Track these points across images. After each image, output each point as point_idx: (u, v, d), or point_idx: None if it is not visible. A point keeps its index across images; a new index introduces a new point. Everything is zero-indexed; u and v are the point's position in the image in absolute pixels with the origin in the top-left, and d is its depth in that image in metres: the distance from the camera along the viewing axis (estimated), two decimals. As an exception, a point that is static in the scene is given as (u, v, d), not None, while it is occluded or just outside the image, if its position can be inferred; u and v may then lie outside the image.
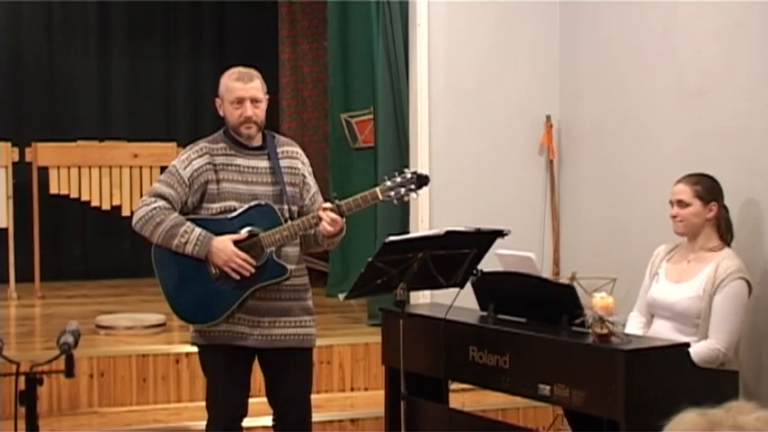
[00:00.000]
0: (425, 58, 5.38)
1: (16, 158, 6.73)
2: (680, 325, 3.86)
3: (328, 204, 3.62)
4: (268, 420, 3.92)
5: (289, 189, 3.72)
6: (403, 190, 3.64)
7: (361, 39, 5.95)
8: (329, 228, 3.58)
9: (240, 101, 3.66)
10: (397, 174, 3.69)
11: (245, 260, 3.58)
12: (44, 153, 6.82)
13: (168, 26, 8.00)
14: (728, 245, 3.94)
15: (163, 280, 3.73)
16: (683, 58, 4.60)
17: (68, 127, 7.44)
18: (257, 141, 3.75)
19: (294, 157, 3.82)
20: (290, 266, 3.66)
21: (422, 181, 3.68)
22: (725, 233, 3.94)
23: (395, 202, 3.74)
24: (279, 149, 3.78)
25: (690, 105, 4.56)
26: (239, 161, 3.71)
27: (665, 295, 3.94)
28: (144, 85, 7.93)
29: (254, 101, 3.68)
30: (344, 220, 3.68)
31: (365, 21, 5.82)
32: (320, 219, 3.58)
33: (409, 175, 3.66)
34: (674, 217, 3.93)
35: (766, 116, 4.11)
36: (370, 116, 5.94)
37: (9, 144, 6.71)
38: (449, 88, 5.41)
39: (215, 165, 3.69)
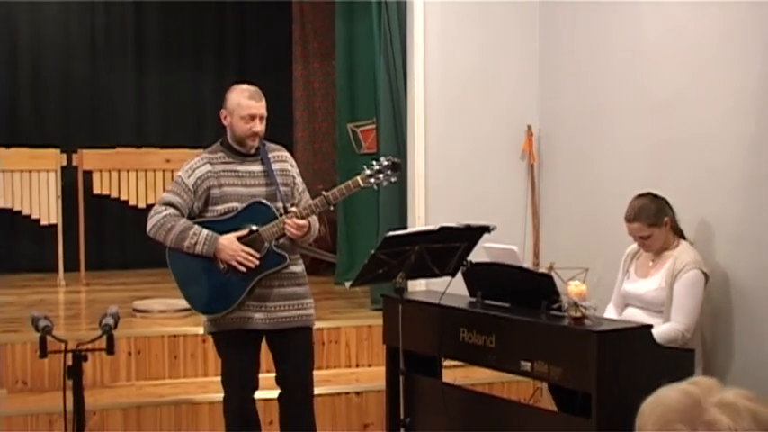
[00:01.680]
0: (422, 75, 5.38)
1: (64, 163, 6.76)
2: (649, 311, 3.89)
3: (294, 209, 3.63)
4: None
5: (282, 189, 3.72)
6: (381, 176, 3.67)
7: (365, 58, 5.96)
8: (294, 232, 3.60)
9: (252, 117, 3.67)
10: (374, 163, 3.71)
11: (248, 253, 3.60)
12: (88, 159, 6.84)
13: (196, 47, 8.00)
14: (683, 237, 3.96)
15: (178, 278, 3.74)
16: (647, 75, 4.60)
17: (109, 135, 7.46)
18: (250, 149, 3.75)
19: (284, 161, 3.83)
20: (288, 256, 3.67)
21: (396, 167, 3.71)
22: (677, 229, 3.97)
23: (374, 187, 3.76)
24: (270, 155, 3.78)
25: (653, 117, 4.56)
26: (237, 167, 3.72)
27: (635, 288, 3.97)
28: (175, 99, 7.94)
29: (262, 118, 3.70)
30: (315, 218, 3.71)
31: (368, 42, 5.83)
32: (285, 225, 3.60)
33: (385, 163, 3.69)
34: (642, 246, 3.96)
35: (719, 127, 4.11)
36: (373, 126, 5.94)
37: (58, 151, 6.75)
38: (442, 101, 5.41)
39: (216, 172, 3.69)
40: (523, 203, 5.52)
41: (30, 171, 6.66)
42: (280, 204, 3.68)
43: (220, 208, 3.67)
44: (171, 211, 3.64)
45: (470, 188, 5.38)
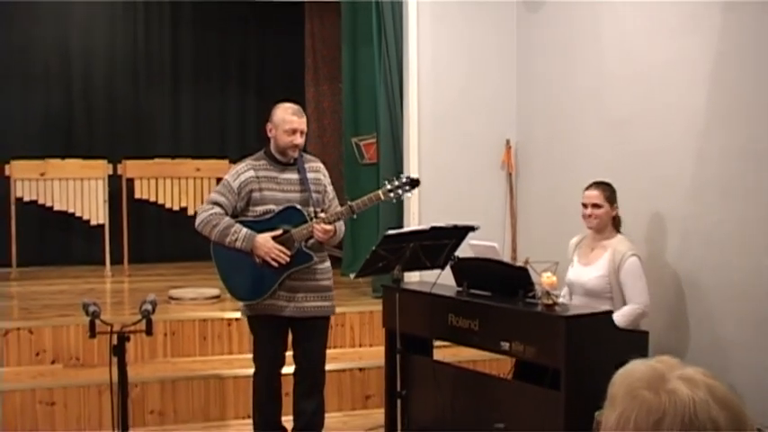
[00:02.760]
0: (416, 96, 5.38)
1: (110, 172, 6.78)
2: (591, 300, 3.80)
3: (323, 215, 3.61)
4: None
5: (314, 195, 3.70)
6: (400, 191, 3.62)
7: (367, 81, 5.95)
8: (321, 236, 3.58)
9: (294, 131, 3.64)
10: (394, 178, 3.67)
11: (281, 251, 3.57)
12: (131, 168, 6.85)
13: (223, 72, 8.00)
14: (619, 231, 3.91)
15: (220, 268, 3.71)
16: (609, 97, 4.60)
17: (149, 148, 7.45)
18: (290, 159, 3.73)
19: (318, 171, 3.80)
20: (315, 254, 3.65)
21: (414, 183, 3.66)
22: (617, 224, 3.92)
23: (394, 201, 3.73)
24: (306, 165, 3.75)
25: (614, 132, 4.56)
26: (277, 174, 3.69)
27: (578, 276, 3.90)
28: (205, 116, 7.93)
29: (302, 132, 3.67)
30: (341, 223, 3.68)
31: (370, 68, 5.82)
32: (313, 230, 3.58)
33: (404, 179, 3.65)
34: (589, 216, 3.87)
35: (669, 141, 4.11)
36: (374, 139, 5.93)
37: (105, 161, 6.78)
38: (433, 119, 5.41)
39: (258, 177, 3.66)
40: (503, 206, 5.52)
41: (81, 179, 6.68)
42: (311, 209, 3.65)
43: (259, 209, 3.65)
44: (217, 209, 3.62)
45: (458, 193, 5.38)
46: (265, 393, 3.80)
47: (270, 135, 3.71)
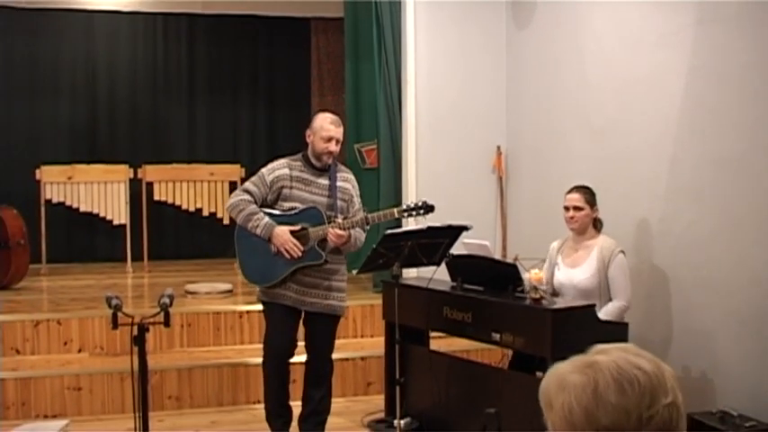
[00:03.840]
0: (413, 106, 5.38)
1: (131, 176, 6.78)
2: (584, 300, 3.72)
3: (339, 220, 3.58)
4: None
5: (339, 202, 3.66)
6: (414, 213, 3.60)
7: (369, 92, 5.95)
8: (334, 239, 3.55)
9: (330, 139, 3.63)
10: (412, 202, 3.66)
11: (295, 245, 3.56)
12: (150, 172, 6.84)
13: (235, 84, 7.99)
14: (600, 232, 3.86)
15: (239, 249, 3.70)
16: (590, 106, 4.60)
17: (167, 153, 7.45)
18: (325, 165, 3.70)
19: (347, 181, 3.75)
20: (327, 255, 3.62)
21: (429, 209, 3.59)
22: (598, 225, 3.87)
23: (405, 220, 3.71)
24: (338, 174, 3.71)
25: (595, 139, 4.56)
26: (309, 177, 3.67)
27: (568, 278, 3.80)
28: (218, 124, 7.93)
29: (338, 141, 3.66)
30: (361, 233, 3.65)
31: (371, 80, 5.82)
32: (327, 231, 3.55)
33: (420, 203, 3.60)
34: (571, 218, 3.81)
35: (646, 148, 4.11)
36: (375, 146, 5.93)
37: (127, 166, 6.78)
38: (430, 126, 5.41)
39: (291, 176, 3.65)
40: (494, 208, 5.52)
41: (105, 182, 6.68)
42: (332, 214, 3.62)
43: (286, 204, 3.63)
44: (246, 197, 3.63)
45: (452, 196, 5.35)
46: (273, 377, 3.77)
47: (308, 140, 3.69)
